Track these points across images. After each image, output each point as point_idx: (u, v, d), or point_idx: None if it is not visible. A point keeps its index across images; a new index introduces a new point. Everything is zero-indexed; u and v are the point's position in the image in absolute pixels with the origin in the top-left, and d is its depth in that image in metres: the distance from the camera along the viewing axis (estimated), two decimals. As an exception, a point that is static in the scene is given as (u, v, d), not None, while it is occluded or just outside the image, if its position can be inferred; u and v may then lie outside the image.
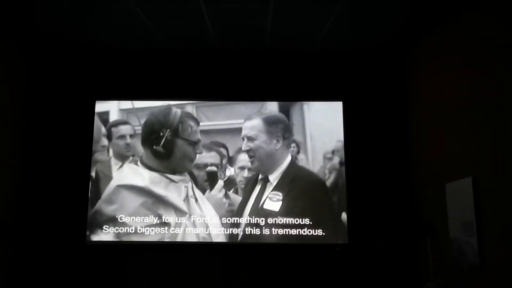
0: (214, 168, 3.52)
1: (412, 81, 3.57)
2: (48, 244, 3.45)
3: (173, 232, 3.41)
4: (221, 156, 3.55)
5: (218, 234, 3.43)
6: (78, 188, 3.51)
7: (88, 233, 3.42)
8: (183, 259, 3.47)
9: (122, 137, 3.57)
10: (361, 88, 3.74)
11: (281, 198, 3.47)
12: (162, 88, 3.72)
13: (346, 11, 3.01)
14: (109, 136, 3.59)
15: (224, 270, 3.46)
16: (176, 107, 3.61)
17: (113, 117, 3.63)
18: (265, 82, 3.75)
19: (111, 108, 3.64)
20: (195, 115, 3.61)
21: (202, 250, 3.49)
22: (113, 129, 3.61)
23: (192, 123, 3.58)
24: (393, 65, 3.76)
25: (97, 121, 3.61)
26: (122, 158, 3.54)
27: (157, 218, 3.44)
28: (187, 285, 3.41)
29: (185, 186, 3.48)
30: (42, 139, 3.61)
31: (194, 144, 3.55)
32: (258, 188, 3.50)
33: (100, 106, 3.65)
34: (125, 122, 3.60)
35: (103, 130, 3.60)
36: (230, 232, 3.43)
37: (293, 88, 3.75)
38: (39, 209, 3.50)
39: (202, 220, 3.44)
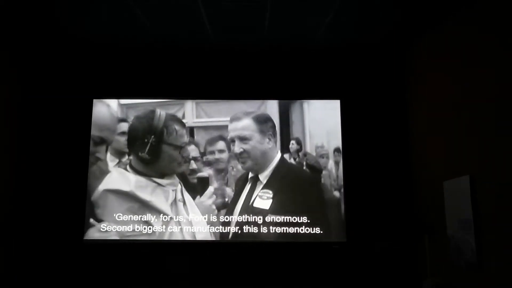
0: (205, 175, 3.47)
1: (410, 80, 3.56)
2: (45, 243, 3.42)
3: (158, 237, 3.38)
4: (199, 148, 3.50)
5: (205, 237, 3.40)
6: (75, 187, 3.48)
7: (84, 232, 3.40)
8: (177, 258, 3.44)
9: (124, 133, 3.52)
10: (360, 86, 3.72)
11: (271, 196, 3.44)
12: (161, 87, 3.68)
13: (344, 9, 2.97)
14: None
15: (219, 269, 3.43)
16: (166, 107, 3.55)
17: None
18: (263, 80, 3.71)
19: (110, 103, 3.61)
20: (194, 111, 3.56)
21: (198, 248, 3.46)
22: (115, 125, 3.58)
23: (177, 126, 3.53)
24: (391, 64, 3.75)
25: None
26: (119, 154, 3.48)
27: (143, 223, 3.41)
28: (181, 285, 3.38)
29: (173, 190, 3.46)
30: (39, 138, 3.56)
31: (180, 148, 3.50)
32: (248, 186, 3.47)
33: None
34: (125, 119, 3.54)
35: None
36: (220, 231, 3.39)
37: (291, 86, 3.72)
38: (36, 208, 3.46)
39: (189, 225, 3.41)
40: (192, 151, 3.49)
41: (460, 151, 2.80)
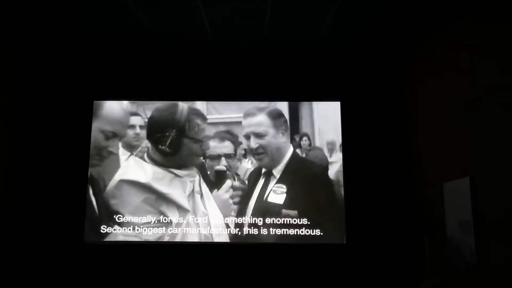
0: (223, 168, 3.52)
1: (410, 80, 3.52)
2: (46, 244, 3.45)
3: (175, 230, 3.41)
4: (235, 145, 3.55)
5: (220, 233, 3.43)
6: (76, 188, 3.51)
7: (87, 232, 3.41)
8: (183, 259, 3.47)
9: (132, 127, 3.56)
10: (360, 87, 3.71)
11: (285, 190, 3.49)
12: (161, 88, 3.69)
13: (343, 9, 2.98)
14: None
15: (223, 270, 3.46)
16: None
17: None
18: (262, 81, 3.72)
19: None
20: (205, 108, 3.59)
21: (201, 250, 3.48)
22: None
23: (199, 121, 3.56)
24: (391, 64, 3.73)
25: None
26: (130, 148, 3.52)
27: (159, 215, 3.44)
28: (185, 285, 3.42)
29: (190, 181, 3.49)
30: (39, 139, 3.57)
31: (201, 142, 3.55)
32: (261, 181, 3.52)
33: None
34: (135, 113, 3.57)
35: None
36: (234, 233, 3.43)
37: (291, 87, 3.72)
38: (37, 208, 3.48)
39: (205, 218, 3.44)
40: (225, 147, 3.54)
41: (459, 152, 2.77)
